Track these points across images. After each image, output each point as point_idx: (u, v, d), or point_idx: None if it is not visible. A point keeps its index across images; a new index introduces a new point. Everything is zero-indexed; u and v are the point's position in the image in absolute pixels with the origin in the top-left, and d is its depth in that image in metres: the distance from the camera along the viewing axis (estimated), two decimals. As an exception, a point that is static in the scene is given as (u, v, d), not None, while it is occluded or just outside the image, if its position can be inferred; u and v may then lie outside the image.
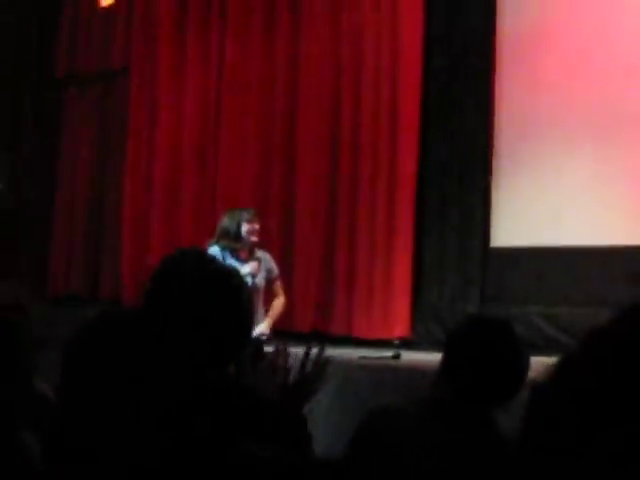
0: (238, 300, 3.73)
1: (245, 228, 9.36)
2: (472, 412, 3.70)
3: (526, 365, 3.79)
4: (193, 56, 12.20)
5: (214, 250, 8.73)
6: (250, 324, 3.89)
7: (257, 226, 9.52)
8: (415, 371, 8.96)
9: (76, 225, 12.89)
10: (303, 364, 4.17)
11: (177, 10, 12.16)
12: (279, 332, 9.46)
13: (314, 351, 4.18)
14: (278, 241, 11.49)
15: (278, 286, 9.58)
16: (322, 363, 4.14)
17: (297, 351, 3.95)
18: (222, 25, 12.32)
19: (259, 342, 8.36)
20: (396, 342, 11.03)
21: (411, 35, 11.42)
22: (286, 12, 12.24)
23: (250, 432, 3.59)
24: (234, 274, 3.98)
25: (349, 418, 4.22)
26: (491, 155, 11.10)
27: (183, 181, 12.08)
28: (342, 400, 8.04)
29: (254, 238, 9.37)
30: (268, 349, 8.09)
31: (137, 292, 10.42)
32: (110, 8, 12.38)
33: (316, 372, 4.23)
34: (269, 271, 9.44)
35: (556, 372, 1.47)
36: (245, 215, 9.56)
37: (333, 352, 9.66)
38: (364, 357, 9.96)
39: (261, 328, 9.13)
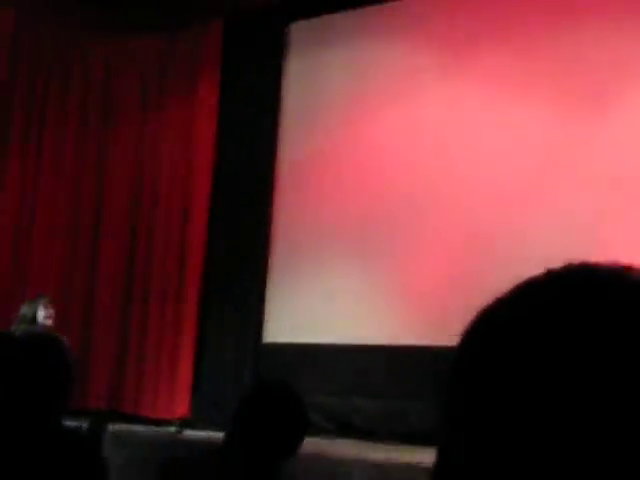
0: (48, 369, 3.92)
1: (41, 313, 9.75)
2: (259, 461, 3.80)
3: (304, 429, 3.86)
4: (13, 164, 12.51)
5: None
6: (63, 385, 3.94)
7: (52, 311, 9.90)
8: (198, 442, 9.58)
9: None
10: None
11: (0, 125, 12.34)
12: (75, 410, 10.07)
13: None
14: (77, 330, 11.74)
15: None
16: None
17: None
18: (39, 143, 12.71)
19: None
20: (176, 421, 11.32)
21: (202, 163, 12.16)
22: (94, 144, 12.83)
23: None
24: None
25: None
26: (267, 267, 11.75)
27: None
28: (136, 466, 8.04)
29: (49, 321, 9.70)
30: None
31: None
32: None
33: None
34: None
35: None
36: (41, 300, 9.94)
37: (125, 427, 10.11)
38: (154, 430, 10.64)
39: None
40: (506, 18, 10.33)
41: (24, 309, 9.98)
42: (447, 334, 8.10)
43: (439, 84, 10.69)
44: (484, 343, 0.90)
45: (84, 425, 6.76)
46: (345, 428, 10.60)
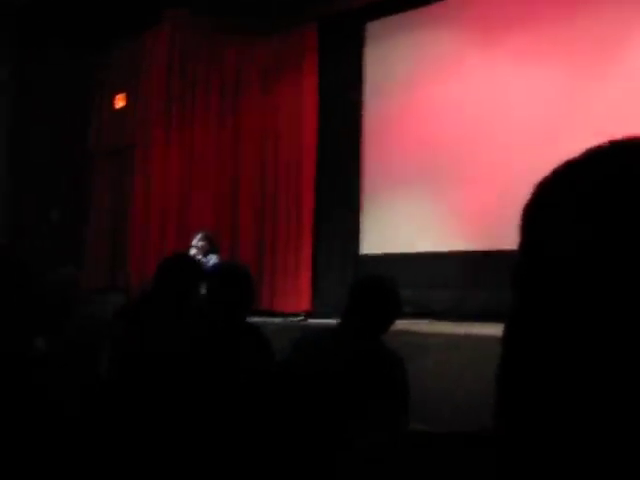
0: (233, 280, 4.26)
1: (193, 244, 10.15)
2: (366, 337, 3.88)
3: (399, 310, 3.98)
4: (174, 139, 12.74)
5: None
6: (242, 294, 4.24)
7: (202, 243, 10.18)
8: (318, 325, 9.74)
9: (102, 241, 13.32)
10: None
11: (164, 112, 12.70)
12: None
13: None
14: (226, 251, 11.82)
15: None
16: None
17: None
18: (192, 124, 12.95)
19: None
20: (302, 313, 11.73)
21: (309, 124, 12.30)
22: (230, 117, 13.10)
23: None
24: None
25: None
26: (360, 198, 11.90)
27: (169, 217, 12.61)
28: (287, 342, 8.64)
29: (195, 250, 10.00)
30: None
31: (141, 284, 11.14)
32: (122, 109, 13.17)
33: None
34: None
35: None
36: (195, 235, 10.38)
37: (264, 319, 10.23)
38: (287, 319, 10.95)
39: None
40: (524, 5, 10.35)
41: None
42: (492, 242, 8.40)
43: (478, 58, 10.75)
44: (560, 193, 0.77)
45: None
46: (423, 312, 10.59)
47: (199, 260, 9.18)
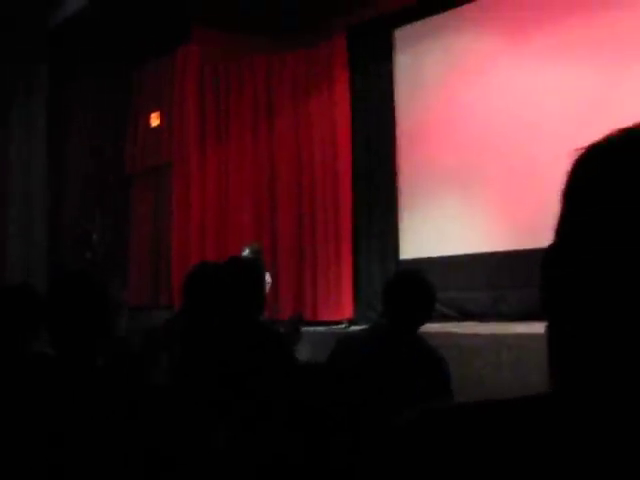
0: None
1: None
2: (404, 331, 3.96)
3: (434, 301, 3.99)
4: (210, 155, 13.21)
5: None
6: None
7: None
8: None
9: (145, 259, 13.67)
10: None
11: (199, 128, 13.12)
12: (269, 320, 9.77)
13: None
14: (267, 264, 11.66)
15: None
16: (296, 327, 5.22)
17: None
18: (227, 139, 13.36)
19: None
20: (345, 321, 11.99)
21: (343, 133, 12.58)
22: (265, 131, 13.48)
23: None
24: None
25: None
26: (397, 202, 12.18)
27: (209, 232, 13.04)
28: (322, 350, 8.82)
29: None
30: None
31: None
32: (157, 127, 13.51)
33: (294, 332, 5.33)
34: None
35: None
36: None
37: (308, 328, 10.15)
38: (330, 327, 11.11)
39: None
40: (552, 5, 10.56)
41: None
42: (526, 241, 8.67)
43: (506, 59, 10.99)
44: (601, 163, 0.81)
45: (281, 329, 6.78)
46: (462, 314, 10.87)
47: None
